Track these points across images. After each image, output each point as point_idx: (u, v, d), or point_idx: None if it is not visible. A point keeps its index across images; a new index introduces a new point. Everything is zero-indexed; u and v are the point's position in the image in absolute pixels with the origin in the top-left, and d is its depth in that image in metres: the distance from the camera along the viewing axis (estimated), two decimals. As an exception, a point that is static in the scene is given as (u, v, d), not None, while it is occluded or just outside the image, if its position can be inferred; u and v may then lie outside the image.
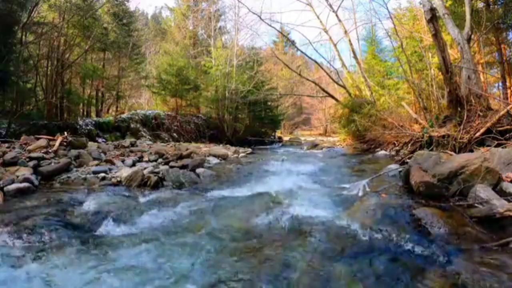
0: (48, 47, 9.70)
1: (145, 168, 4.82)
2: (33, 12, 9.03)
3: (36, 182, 3.90)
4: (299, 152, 11.15)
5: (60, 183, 4.16)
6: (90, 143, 6.89)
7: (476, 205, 2.55)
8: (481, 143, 5.08)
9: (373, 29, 17.80)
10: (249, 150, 10.66)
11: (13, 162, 4.34)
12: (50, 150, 5.22)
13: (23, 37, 9.06)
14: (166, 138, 12.57)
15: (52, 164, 4.61)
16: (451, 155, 4.51)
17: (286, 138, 20.99)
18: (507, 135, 4.90)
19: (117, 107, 16.34)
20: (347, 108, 12.11)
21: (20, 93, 9.09)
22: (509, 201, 2.44)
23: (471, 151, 4.88)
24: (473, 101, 5.90)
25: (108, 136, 10.44)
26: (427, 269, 1.84)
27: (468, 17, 6.90)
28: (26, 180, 3.76)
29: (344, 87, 13.63)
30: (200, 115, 15.96)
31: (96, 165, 5.10)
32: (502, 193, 2.71)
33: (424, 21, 9.04)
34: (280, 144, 16.97)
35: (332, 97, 14.35)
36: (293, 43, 20.47)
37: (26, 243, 2.22)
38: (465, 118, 5.60)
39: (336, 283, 1.76)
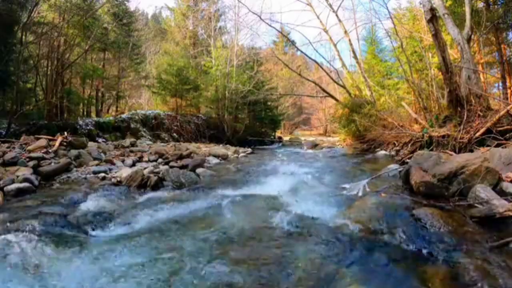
0: (48, 47, 9.68)
1: (145, 168, 4.82)
2: (33, 12, 9.03)
3: (36, 182, 3.90)
4: (299, 152, 11.14)
5: (60, 183, 4.16)
6: (90, 143, 6.89)
7: (476, 205, 2.55)
8: (481, 143, 5.08)
9: (373, 29, 17.79)
10: (249, 150, 10.66)
11: (13, 162, 4.35)
12: (50, 150, 5.22)
13: (23, 37, 9.05)
14: (166, 138, 12.57)
15: (52, 164, 4.61)
16: (451, 155, 4.51)
17: (286, 138, 20.99)
18: (507, 135, 4.89)
19: (117, 107, 16.35)
20: (347, 108, 12.11)
21: (20, 93, 9.08)
22: (509, 201, 2.44)
23: (471, 151, 4.88)
24: (473, 101, 5.90)
25: (108, 136, 10.43)
26: (427, 269, 1.84)
27: (468, 17, 6.90)
28: (26, 180, 3.76)
29: (344, 87, 13.62)
30: (200, 115, 15.95)
31: (96, 165, 5.10)
32: (502, 193, 2.71)
33: (424, 21, 9.03)
34: (280, 144, 16.97)
35: (332, 97, 14.34)
36: (293, 43, 20.43)
37: (26, 243, 2.22)
38: (465, 118, 5.60)
39: (336, 284, 1.76)
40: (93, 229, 2.63)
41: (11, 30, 8.45)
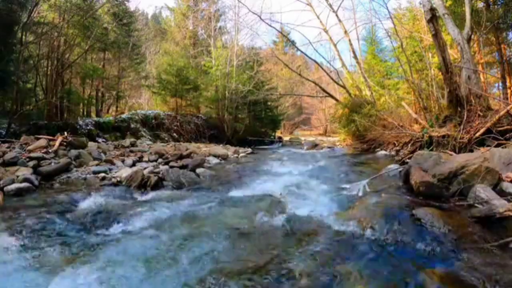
0: (48, 47, 9.68)
1: (145, 168, 4.82)
2: (33, 12, 9.02)
3: (36, 182, 3.90)
4: (299, 152, 11.14)
5: (60, 183, 4.16)
6: (90, 143, 6.89)
7: (476, 205, 2.55)
8: (481, 143, 5.07)
9: (373, 29, 17.80)
10: (249, 150, 10.65)
11: (13, 162, 4.35)
12: (50, 150, 5.22)
13: (23, 37, 9.04)
14: (166, 138, 12.56)
15: (52, 164, 4.61)
16: (451, 155, 4.51)
17: (286, 138, 20.96)
18: (507, 135, 4.89)
19: (117, 107, 16.34)
20: (347, 108, 12.09)
21: (20, 93, 9.07)
22: (509, 201, 2.44)
23: (471, 151, 4.88)
24: (473, 101, 5.89)
25: (108, 136, 10.43)
26: (427, 269, 1.84)
27: (468, 17, 6.90)
28: (26, 180, 3.76)
29: (344, 87, 13.61)
30: (200, 115, 15.94)
31: (96, 165, 5.10)
32: (502, 193, 2.71)
33: (424, 21, 9.03)
34: (280, 144, 16.94)
35: (332, 97, 14.34)
36: (293, 43, 20.45)
37: (26, 243, 2.22)
38: (465, 118, 5.60)
39: (336, 284, 1.76)
40: (93, 229, 2.63)
41: (11, 30, 8.44)
